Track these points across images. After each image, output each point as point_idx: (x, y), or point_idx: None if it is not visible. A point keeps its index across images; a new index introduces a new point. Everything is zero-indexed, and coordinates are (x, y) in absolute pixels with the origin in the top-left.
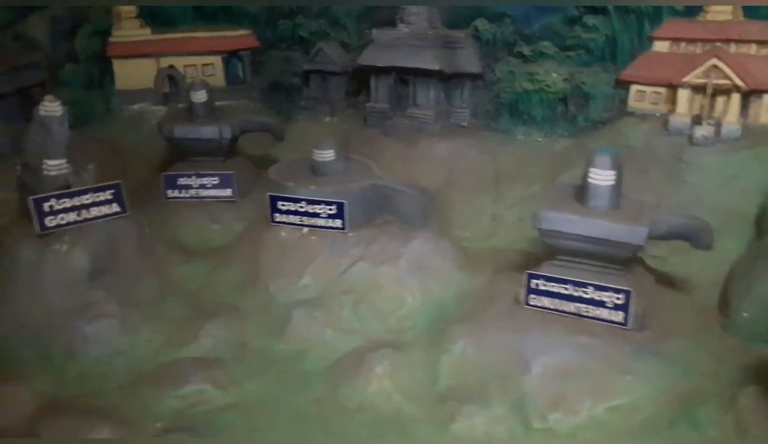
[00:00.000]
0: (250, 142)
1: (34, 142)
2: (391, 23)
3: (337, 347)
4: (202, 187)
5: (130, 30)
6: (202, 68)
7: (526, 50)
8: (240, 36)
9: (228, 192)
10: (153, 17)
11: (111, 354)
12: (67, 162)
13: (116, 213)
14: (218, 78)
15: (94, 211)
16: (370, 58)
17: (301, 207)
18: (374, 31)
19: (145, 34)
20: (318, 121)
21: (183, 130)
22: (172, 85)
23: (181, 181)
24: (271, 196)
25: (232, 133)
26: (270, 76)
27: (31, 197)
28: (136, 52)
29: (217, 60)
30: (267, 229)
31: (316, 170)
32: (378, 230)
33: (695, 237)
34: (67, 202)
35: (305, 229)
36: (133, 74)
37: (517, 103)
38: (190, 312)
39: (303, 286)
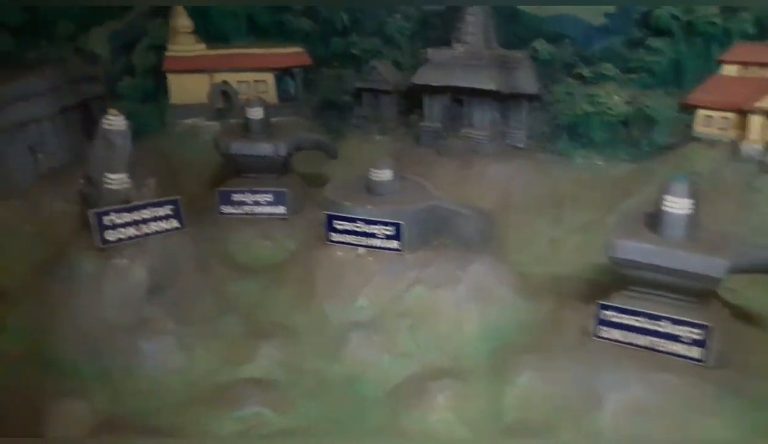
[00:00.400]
0: (301, 160)
1: (98, 155)
2: (446, 42)
3: (394, 372)
4: (256, 203)
5: (185, 45)
6: (255, 84)
7: (586, 72)
8: (293, 53)
9: (281, 209)
10: (207, 33)
11: (168, 372)
12: (129, 176)
13: (174, 228)
14: (270, 94)
15: (153, 226)
16: (424, 77)
17: (358, 227)
18: (429, 51)
19: (200, 49)
20: (369, 140)
21: (239, 147)
22: (225, 100)
23: (236, 197)
24: (327, 215)
25: (287, 150)
26: (321, 94)
27: (92, 211)
28: (191, 67)
29: (269, 77)
30: (322, 248)
31: (372, 190)
32: (435, 253)
33: None
34: (127, 217)
35: (361, 250)
36: (187, 89)
37: (576, 125)
38: (245, 331)
39: (359, 307)
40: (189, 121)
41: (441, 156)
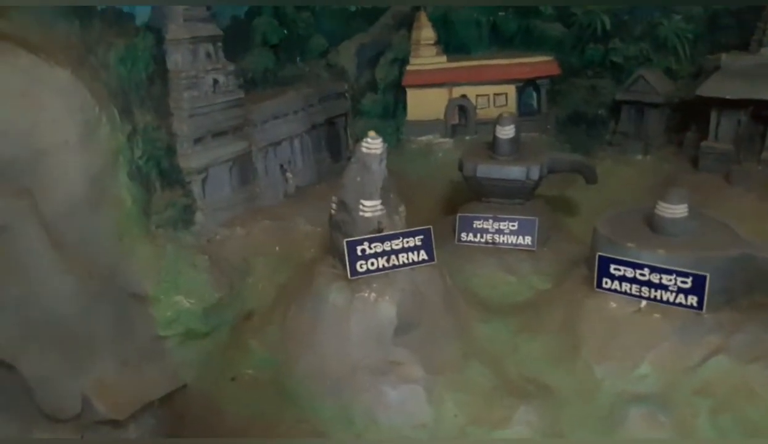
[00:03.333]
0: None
1: (353, 179)
2: (742, 47)
3: None
4: (499, 232)
5: (427, 57)
6: (495, 98)
7: None
8: (540, 62)
9: (527, 240)
10: (448, 44)
11: (414, 426)
12: (382, 203)
13: (423, 261)
14: (510, 108)
15: (403, 258)
16: (716, 88)
17: (642, 275)
18: (724, 57)
19: (441, 62)
20: (627, 160)
21: (486, 170)
22: (461, 116)
23: (477, 224)
24: (601, 258)
25: (540, 174)
26: (570, 107)
27: (346, 240)
28: (430, 80)
29: (511, 89)
30: (589, 294)
31: (658, 228)
32: (743, 315)
33: None
34: (379, 247)
35: (644, 303)
36: (424, 104)
37: None
38: (496, 384)
39: (640, 376)
40: (424, 138)
41: (732, 184)
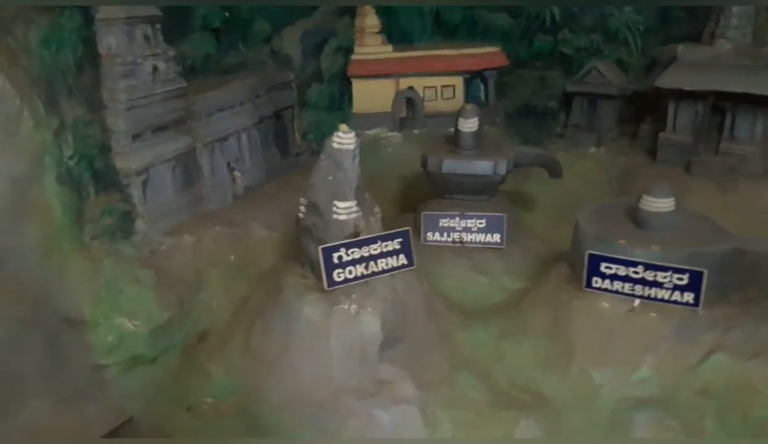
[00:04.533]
0: None
1: (324, 178)
2: (695, 38)
3: None
4: (467, 230)
5: (372, 46)
6: (442, 90)
7: None
8: (488, 54)
9: (496, 238)
10: (390, 33)
11: None
12: (357, 204)
13: (403, 266)
14: (457, 101)
15: (382, 264)
16: (674, 79)
17: (636, 272)
18: (680, 48)
19: (387, 51)
20: (580, 153)
21: (452, 165)
22: (409, 108)
23: (444, 222)
24: (591, 256)
25: (507, 168)
26: (519, 99)
27: (321, 247)
28: (376, 71)
29: (458, 81)
30: (577, 295)
31: (644, 223)
32: (737, 310)
33: None
34: (357, 253)
35: (637, 302)
36: (370, 96)
37: None
38: (490, 398)
39: (640, 379)
40: (371, 132)
41: (692, 175)
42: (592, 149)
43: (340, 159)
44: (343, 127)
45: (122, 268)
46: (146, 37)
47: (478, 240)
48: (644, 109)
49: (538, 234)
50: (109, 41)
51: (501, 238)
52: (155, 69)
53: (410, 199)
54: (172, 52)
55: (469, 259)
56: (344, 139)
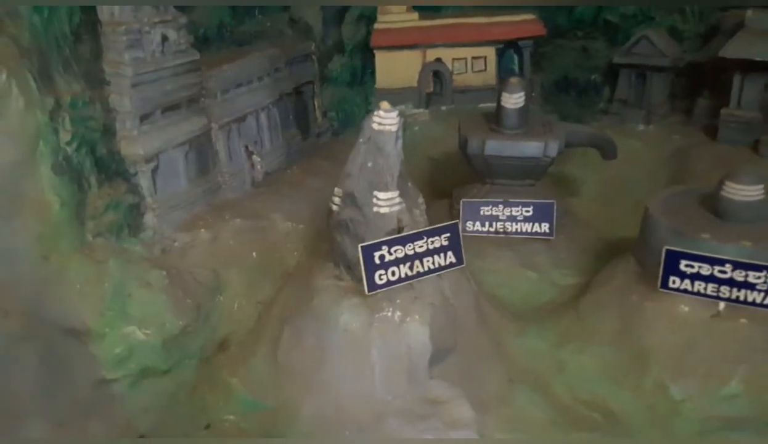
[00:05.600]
0: None
1: (363, 165)
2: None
3: None
4: (511, 219)
5: (396, 14)
6: (473, 62)
7: None
8: (523, 22)
9: (544, 227)
10: None
11: None
12: (400, 195)
13: (451, 264)
14: (489, 74)
15: (428, 263)
16: (741, 48)
17: (723, 272)
18: (749, 13)
19: (413, 19)
20: (628, 131)
21: (497, 146)
22: (436, 83)
23: (485, 210)
24: (669, 253)
25: (558, 149)
26: (557, 72)
27: (361, 245)
28: (401, 41)
29: (490, 52)
30: (650, 296)
31: (727, 214)
32: None
33: None
34: (401, 251)
35: (722, 305)
36: (395, 69)
37: None
38: (553, 416)
39: (729, 395)
40: (396, 109)
41: (762, 156)
42: (641, 127)
43: (381, 142)
44: (385, 104)
45: (130, 269)
46: None
47: (524, 230)
48: (701, 82)
49: (584, 222)
50: (111, 6)
51: (550, 228)
52: (165, 39)
53: (441, 183)
54: (183, 20)
55: (514, 252)
56: (386, 118)
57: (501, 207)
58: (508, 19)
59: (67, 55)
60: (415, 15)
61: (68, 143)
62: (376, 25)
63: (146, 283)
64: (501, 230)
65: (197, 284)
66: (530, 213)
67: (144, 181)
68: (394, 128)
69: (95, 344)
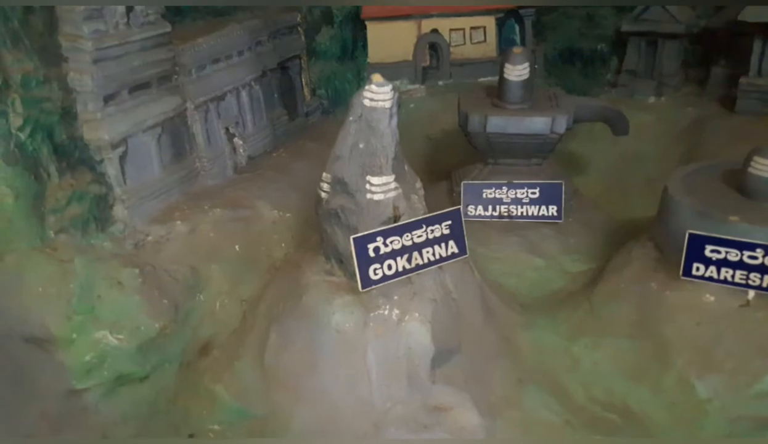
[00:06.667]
0: None
1: (354, 146)
2: None
3: None
4: (516, 202)
5: None
6: (471, 33)
7: None
8: None
9: (552, 210)
10: None
11: None
12: (395, 179)
13: (453, 255)
14: (489, 46)
15: (428, 255)
16: (762, 11)
17: (753, 258)
18: None
19: None
20: (637, 104)
21: (500, 123)
22: (432, 56)
23: (488, 193)
24: (692, 237)
25: (567, 125)
26: (561, 42)
27: (353, 237)
28: (395, 11)
29: (489, 21)
30: (671, 285)
31: (755, 193)
32: None
33: None
34: (397, 242)
35: (752, 294)
36: (388, 42)
37: None
38: (568, 417)
39: (762, 393)
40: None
41: None
42: (652, 99)
43: (373, 120)
44: (377, 77)
45: (99, 268)
46: None
47: (530, 213)
48: (716, 49)
49: (594, 203)
50: None
51: (558, 211)
52: (130, 9)
53: (440, 164)
54: None
55: (520, 237)
56: (378, 93)
57: (505, 189)
58: None
59: (16, 27)
60: None
61: (20, 129)
62: None
63: (117, 283)
64: (505, 214)
65: (174, 282)
66: (536, 195)
67: (111, 170)
68: (387, 104)
69: (62, 352)
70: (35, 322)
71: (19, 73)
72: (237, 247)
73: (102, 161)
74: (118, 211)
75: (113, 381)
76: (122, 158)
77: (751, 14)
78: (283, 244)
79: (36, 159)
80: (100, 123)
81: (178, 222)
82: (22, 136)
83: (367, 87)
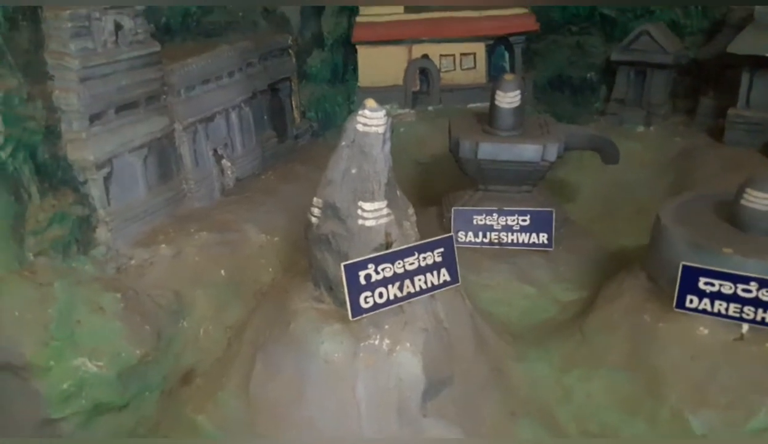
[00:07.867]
0: None
1: (346, 171)
2: None
3: None
4: (507, 228)
5: (380, 7)
6: (461, 59)
7: None
8: (514, 16)
9: (543, 238)
10: None
11: None
12: (388, 205)
13: (445, 283)
14: (478, 72)
15: (419, 283)
16: (751, 44)
17: (747, 291)
18: (757, 9)
19: (397, 13)
20: (626, 132)
21: (491, 150)
22: (423, 81)
23: (479, 219)
24: (686, 268)
25: (558, 153)
26: (550, 70)
27: (344, 264)
28: (386, 36)
29: (480, 48)
30: (664, 317)
31: (747, 225)
32: None
33: None
34: (389, 270)
35: (745, 328)
36: (379, 66)
37: None
38: None
39: (758, 429)
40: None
41: None
42: (640, 128)
43: (366, 146)
44: (370, 102)
45: (79, 292)
46: None
47: (520, 240)
48: (705, 80)
49: (583, 231)
50: None
51: (548, 239)
52: (119, 27)
53: (429, 190)
54: (140, 6)
55: (510, 265)
56: (372, 118)
57: (495, 216)
58: (499, 14)
59: (0, 42)
60: (400, 8)
61: (1, 147)
62: (359, 19)
63: (98, 308)
64: (496, 241)
65: (157, 308)
66: (527, 222)
67: (95, 191)
68: (381, 129)
69: (38, 380)
70: (11, 348)
71: (2, 90)
72: (223, 271)
73: (86, 182)
74: (101, 233)
75: (91, 410)
76: (107, 179)
77: (739, 46)
78: (270, 269)
79: (17, 179)
80: (85, 143)
81: (163, 245)
82: (3, 155)
83: (360, 112)
